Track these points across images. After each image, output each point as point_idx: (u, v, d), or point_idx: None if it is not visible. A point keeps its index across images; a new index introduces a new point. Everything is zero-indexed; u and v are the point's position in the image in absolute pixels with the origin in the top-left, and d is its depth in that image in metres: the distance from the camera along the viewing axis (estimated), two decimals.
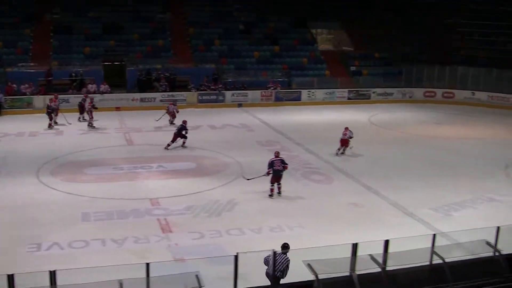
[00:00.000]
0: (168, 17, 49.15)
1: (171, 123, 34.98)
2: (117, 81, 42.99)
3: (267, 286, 13.04)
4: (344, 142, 29.46)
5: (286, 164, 22.63)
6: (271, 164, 22.28)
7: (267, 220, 20.14)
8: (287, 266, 13.38)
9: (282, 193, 22.65)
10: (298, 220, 20.19)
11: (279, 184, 22.47)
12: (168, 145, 29.20)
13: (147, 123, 35.04)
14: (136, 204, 21.27)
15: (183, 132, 29.41)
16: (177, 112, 35.30)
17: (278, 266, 13.27)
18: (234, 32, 49.41)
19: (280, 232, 19.24)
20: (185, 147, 29.51)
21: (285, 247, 13.95)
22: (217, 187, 23.78)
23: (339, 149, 29.44)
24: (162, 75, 42.31)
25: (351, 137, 29.49)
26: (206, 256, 16.13)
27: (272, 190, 22.44)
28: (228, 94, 42.58)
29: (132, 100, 39.60)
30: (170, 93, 41.08)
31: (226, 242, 18.13)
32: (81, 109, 36.11)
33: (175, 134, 29.45)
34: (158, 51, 45.47)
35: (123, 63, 44.26)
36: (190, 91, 41.75)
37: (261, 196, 22.70)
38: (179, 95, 41.31)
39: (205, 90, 42.05)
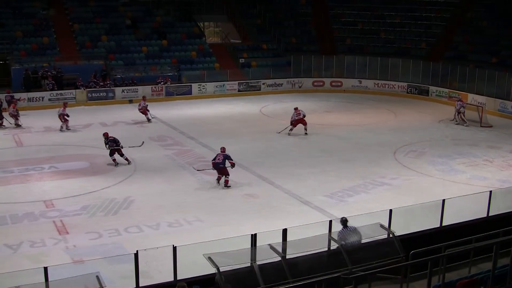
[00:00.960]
0: (52, 13, 47.84)
1: (149, 120, 35.61)
2: (1, 81, 41.53)
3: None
4: (301, 121, 31.96)
5: (232, 160, 23.59)
6: (214, 158, 23.66)
7: (164, 215, 20.23)
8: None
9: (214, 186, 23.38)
10: (196, 214, 20.37)
11: (225, 176, 23.46)
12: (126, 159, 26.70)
13: (37, 123, 34.14)
14: (29, 207, 20.82)
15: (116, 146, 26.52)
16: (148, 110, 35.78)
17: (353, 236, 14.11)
18: (121, 27, 48.66)
19: (179, 226, 19.37)
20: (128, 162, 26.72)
21: (345, 221, 14.60)
22: (112, 185, 23.60)
23: (291, 129, 32.19)
24: (48, 73, 41.15)
25: (304, 115, 31.82)
26: (105, 256, 16.04)
27: (219, 178, 23.66)
28: (118, 90, 41.90)
29: (19, 100, 38.35)
30: (59, 92, 40.09)
31: (125, 241, 18.10)
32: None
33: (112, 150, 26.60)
34: (43, 49, 44.15)
35: (7, 61, 42.82)
36: (79, 88, 40.86)
37: (157, 192, 22.77)
38: (68, 93, 40.37)
39: (94, 87, 41.27)
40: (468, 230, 14.79)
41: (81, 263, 16.28)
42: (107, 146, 26.36)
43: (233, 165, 23.58)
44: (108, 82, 41.99)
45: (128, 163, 26.24)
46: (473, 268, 13.62)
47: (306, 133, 32.06)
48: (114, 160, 26.27)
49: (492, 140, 31.66)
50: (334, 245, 13.57)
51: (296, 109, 32.41)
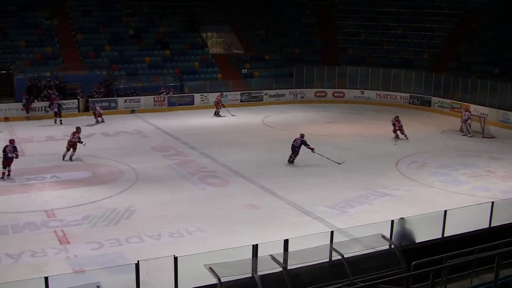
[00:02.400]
0: (55, 23, 47.88)
1: (218, 114, 41.05)
2: (4, 90, 41.53)
3: None
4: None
5: (308, 145, 27.90)
6: (293, 141, 28.18)
7: (166, 225, 20.17)
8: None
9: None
10: (197, 224, 20.31)
11: (295, 156, 28.07)
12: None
13: (39, 133, 34.14)
14: (31, 217, 20.78)
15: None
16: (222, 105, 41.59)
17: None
18: (124, 37, 48.75)
19: (180, 237, 19.32)
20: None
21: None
22: (113, 195, 23.55)
23: (397, 137, 34.36)
24: (51, 83, 40.89)
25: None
26: (106, 266, 16.00)
27: (291, 158, 28.13)
28: (121, 100, 41.90)
29: (22, 109, 38.32)
30: (61, 101, 39.98)
31: (126, 251, 18.05)
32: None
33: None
34: (46, 58, 44.23)
35: (10, 71, 42.84)
36: (81, 98, 40.83)
37: (158, 202, 22.72)
38: (70, 103, 40.42)
39: (97, 97, 41.17)
40: (470, 241, 14.68)
41: (82, 273, 16.23)
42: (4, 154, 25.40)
43: (312, 150, 27.82)
44: (108, 92, 41.77)
45: (1, 178, 25.03)
46: (475, 279, 13.53)
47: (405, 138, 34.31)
48: (4, 173, 25.14)
49: (494, 151, 31.66)
50: (335, 256, 13.52)
51: (397, 120, 34.33)
